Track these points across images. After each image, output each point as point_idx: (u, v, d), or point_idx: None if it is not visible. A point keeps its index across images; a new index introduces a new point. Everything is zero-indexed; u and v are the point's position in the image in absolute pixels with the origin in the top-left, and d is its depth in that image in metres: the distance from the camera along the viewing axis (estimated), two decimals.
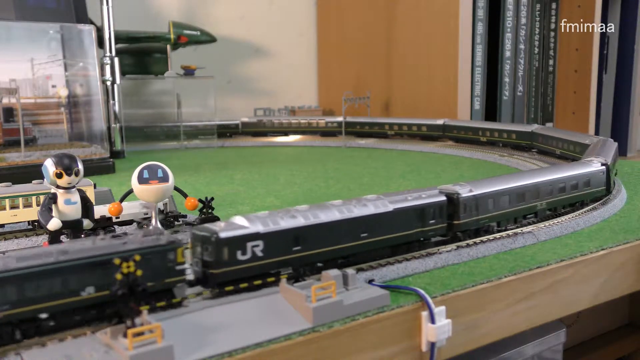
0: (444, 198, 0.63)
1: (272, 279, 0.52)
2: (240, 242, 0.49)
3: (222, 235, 0.48)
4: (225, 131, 1.84)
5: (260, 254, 0.50)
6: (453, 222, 0.64)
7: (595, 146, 1.00)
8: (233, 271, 0.49)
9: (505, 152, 1.40)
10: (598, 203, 0.84)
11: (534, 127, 1.32)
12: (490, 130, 1.43)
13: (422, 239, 0.62)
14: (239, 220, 0.50)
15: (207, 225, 0.49)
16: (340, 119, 1.77)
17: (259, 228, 0.50)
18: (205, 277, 0.49)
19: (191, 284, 0.49)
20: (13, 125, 1.28)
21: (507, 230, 0.70)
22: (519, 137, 1.33)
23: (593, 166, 0.82)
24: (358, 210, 0.56)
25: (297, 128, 1.80)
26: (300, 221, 0.52)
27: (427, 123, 1.61)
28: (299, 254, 0.52)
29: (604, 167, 0.83)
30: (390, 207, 0.58)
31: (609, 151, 0.93)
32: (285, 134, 1.82)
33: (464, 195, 0.64)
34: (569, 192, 0.77)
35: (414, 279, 0.58)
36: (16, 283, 0.41)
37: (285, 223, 0.52)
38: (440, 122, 1.57)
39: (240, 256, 0.49)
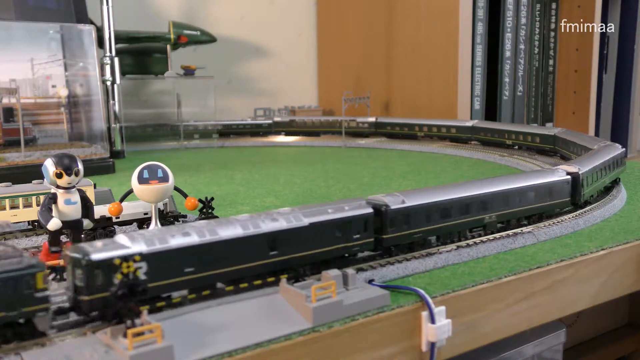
0: (370, 210, 0.58)
1: (162, 303, 0.48)
2: (117, 264, 0.44)
3: (94, 257, 0.43)
4: (259, 130, 1.85)
5: (143, 277, 0.45)
6: (381, 236, 0.59)
7: (590, 152, 0.96)
8: (108, 297, 0.44)
9: (505, 152, 1.40)
10: (598, 202, 0.84)
11: (556, 131, 1.28)
12: (516, 133, 1.40)
13: (346, 255, 0.57)
14: (121, 239, 0.46)
15: (82, 245, 0.45)
16: (372, 119, 1.75)
17: (141, 248, 0.45)
18: (76, 304, 0.44)
19: (59, 312, 0.44)
20: (13, 125, 1.28)
21: (505, 231, 0.70)
22: (542, 141, 1.30)
23: (556, 175, 0.76)
24: (266, 226, 0.51)
25: (328, 128, 1.79)
26: (193, 239, 0.48)
27: (456, 125, 1.58)
28: (193, 276, 0.48)
29: (568, 176, 0.77)
30: (306, 222, 0.53)
31: (596, 159, 0.86)
32: (317, 134, 1.81)
33: (393, 207, 0.59)
34: (524, 203, 0.71)
35: (414, 279, 0.58)
36: None
37: (176, 241, 0.47)
38: (469, 124, 1.54)
39: (117, 280, 0.44)
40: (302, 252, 0.53)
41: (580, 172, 0.78)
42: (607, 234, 0.73)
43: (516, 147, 1.40)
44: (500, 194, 0.69)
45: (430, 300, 0.52)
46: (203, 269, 0.48)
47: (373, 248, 0.59)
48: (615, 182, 0.97)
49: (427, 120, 1.67)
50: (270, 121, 1.85)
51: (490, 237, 0.68)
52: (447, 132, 1.59)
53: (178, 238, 0.47)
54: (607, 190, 0.93)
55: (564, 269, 0.63)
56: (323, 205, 0.56)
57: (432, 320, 0.51)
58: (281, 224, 0.52)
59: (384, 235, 0.59)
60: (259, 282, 0.52)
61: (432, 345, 0.52)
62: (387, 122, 1.75)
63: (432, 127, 1.63)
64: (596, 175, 0.84)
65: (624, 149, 1.01)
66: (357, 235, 0.57)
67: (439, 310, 0.52)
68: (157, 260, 0.46)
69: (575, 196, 0.78)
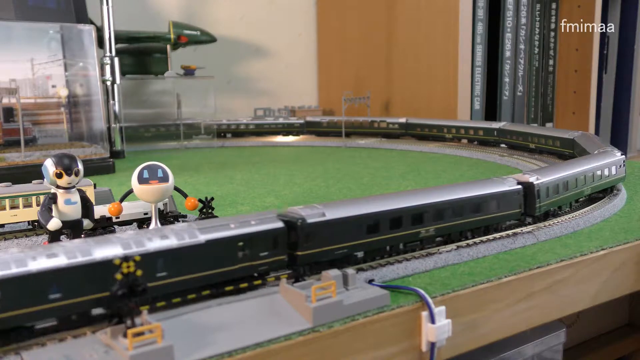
0: (279, 225, 0.52)
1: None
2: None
3: None
4: (291, 130, 1.85)
5: None
6: (296, 253, 0.53)
7: (568, 161, 0.89)
8: None
9: (505, 152, 1.40)
10: (598, 202, 0.84)
11: (576, 135, 1.21)
12: (538, 136, 1.35)
13: (255, 274, 0.52)
14: None
15: None
16: (402, 119, 1.72)
17: None
18: None
19: None
20: (13, 125, 1.28)
21: (507, 230, 0.70)
22: (562, 145, 1.25)
23: (505, 185, 0.70)
24: (152, 244, 0.46)
25: (358, 129, 1.78)
26: (60, 261, 0.42)
27: (484, 127, 1.53)
28: (60, 303, 0.42)
29: (519, 186, 0.71)
30: (201, 238, 0.48)
31: (565, 168, 0.80)
32: (347, 135, 1.80)
33: (310, 221, 0.53)
34: (466, 215, 0.66)
35: (414, 279, 0.58)
36: None
37: (37, 264, 0.41)
38: (496, 125, 1.49)
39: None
40: (196, 273, 0.48)
41: (534, 182, 0.72)
42: (607, 234, 0.73)
43: (540, 151, 1.34)
44: (437, 205, 0.63)
45: (430, 300, 0.52)
46: (73, 295, 0.42)
47: (286, 266, 0.54)
48: (605, 192, 0.90)
49: (456, 122, 1.63)
50: (302, 121, 1.85)
51: (490, 237, 0.68)
52: (475, 134, 1.54)
53: (41, 260, 0.41)
54: (594, 199, 0.88)
55: (564, 269, 0.63)
56: (226, 219, 0.51)
57: (432, 320, 0.51)
58: (171, 242, 0.47)
59: (298, 252, 0.53)
60: (258, 282, 0.52)
61: (432, 345, 0.52)
62: (417, 124, 1.70)
63: (460, 129, 1.58)
64: (566, 185, 0.78)
65: (622, 157, 0.93)
66: (265, 253, 0.51)
67: (439, 310, 0.52)
68: (13, 287, 0.40)
69: (528, 207, 0.72)
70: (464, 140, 1.59)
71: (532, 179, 0.73)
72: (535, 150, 1.35)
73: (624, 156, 0.93)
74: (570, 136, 1.23)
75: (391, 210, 0.59)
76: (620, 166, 0.92)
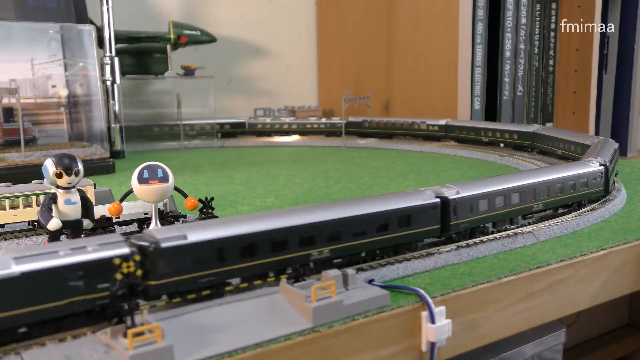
0: (125, 251, 0.44)
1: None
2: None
3: None
4: (334, 130, 1.83)
5: None
6: (147, 283, 0.45)
7: (526, 170, 0.82)
8: None
9: (505, 152, 1.40)
10: (598, 202, 0.84)
11: (595, 140, 1.12)
12: (563, 141, 1.27)
13: (92, 309, 0.44)
14: None
15: None
16: (442, 122, 1.66)
17: None
18: None
19: None
20: (13, 125, 1.28)
21: (507, 230, 0.70)
22: (582, 152, 1.16)
23: (420, 199, 0.62)
24: None
25: (399, 130, 1.75)
26: None
27: (518, 130, 1.46)
28: None
29: (437, 200, 0.63)
30: (15, 270, 0.40)
31: (505, 180, 0.71)
32: (389, 136, 1.77)
33: (165, 245, 0.45)
34: (370, 234, 0.58)
35: (414, 279, 0.58)
36: None
37: None
38: (531, 129, 1.43)
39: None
40: (8, 312, 0.40)
41: (450, 197, 0.64)
42: (607, 234, 0.73)
43: (570, 159, 1.23)
44: (330, 224, 0.55)
45: (430, 300, 0.52)
46: None
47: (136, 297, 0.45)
48: (569, 206, 0.80)
49: (493, 124, 1.55)
50: (344, 121, 1.82)
51: (490, 237, 0.68)
52: (510, 138, 1.48)
53: None
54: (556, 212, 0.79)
55: (564, 269, 0.63)
56: (56, 245, 0.44)
57: (432, 320, 0.51)
58: None
59: (151, 282, 0.45)
60: (258, 282, 0.52)
61: (432, 345, 0.52)
62: (457, 126, 1.63)
63: (496, 132, 1.52)
64: (502, 200, 0.69)
65: (600, 168, 0.83)
66: (106, 285, 0.43)
67: (439, 310, 0.52)
68: None
69: (443, 225, 0.64)
70: (501, 145, 1.52)
71: (450, 192, 0.64)
72: (562, 156, 1.28)
73: (602, 167, 0.84)
74: (589, 142, 1.15)
75: (271, 231, 0.51)
76: (595, 179, 0.82)
